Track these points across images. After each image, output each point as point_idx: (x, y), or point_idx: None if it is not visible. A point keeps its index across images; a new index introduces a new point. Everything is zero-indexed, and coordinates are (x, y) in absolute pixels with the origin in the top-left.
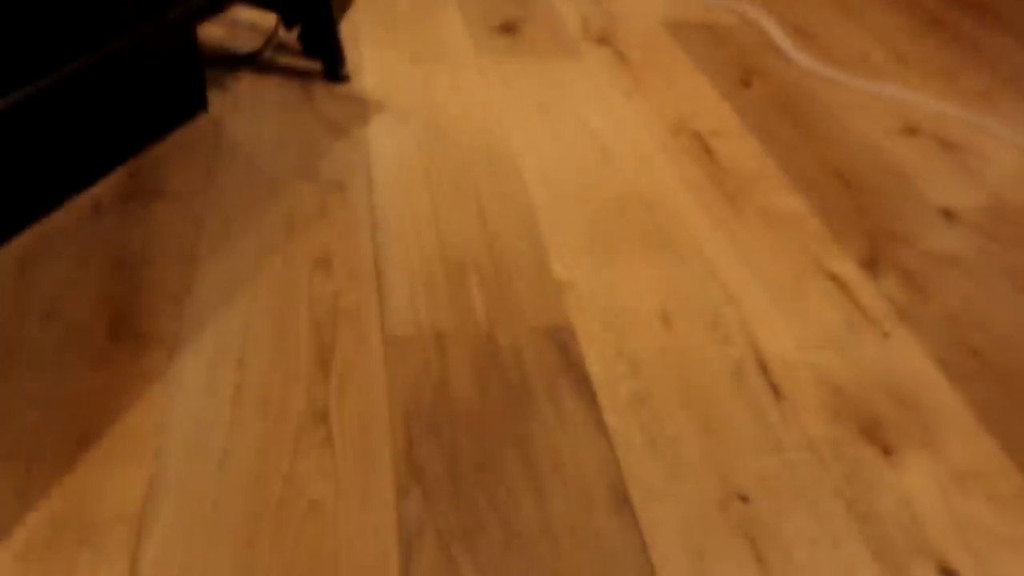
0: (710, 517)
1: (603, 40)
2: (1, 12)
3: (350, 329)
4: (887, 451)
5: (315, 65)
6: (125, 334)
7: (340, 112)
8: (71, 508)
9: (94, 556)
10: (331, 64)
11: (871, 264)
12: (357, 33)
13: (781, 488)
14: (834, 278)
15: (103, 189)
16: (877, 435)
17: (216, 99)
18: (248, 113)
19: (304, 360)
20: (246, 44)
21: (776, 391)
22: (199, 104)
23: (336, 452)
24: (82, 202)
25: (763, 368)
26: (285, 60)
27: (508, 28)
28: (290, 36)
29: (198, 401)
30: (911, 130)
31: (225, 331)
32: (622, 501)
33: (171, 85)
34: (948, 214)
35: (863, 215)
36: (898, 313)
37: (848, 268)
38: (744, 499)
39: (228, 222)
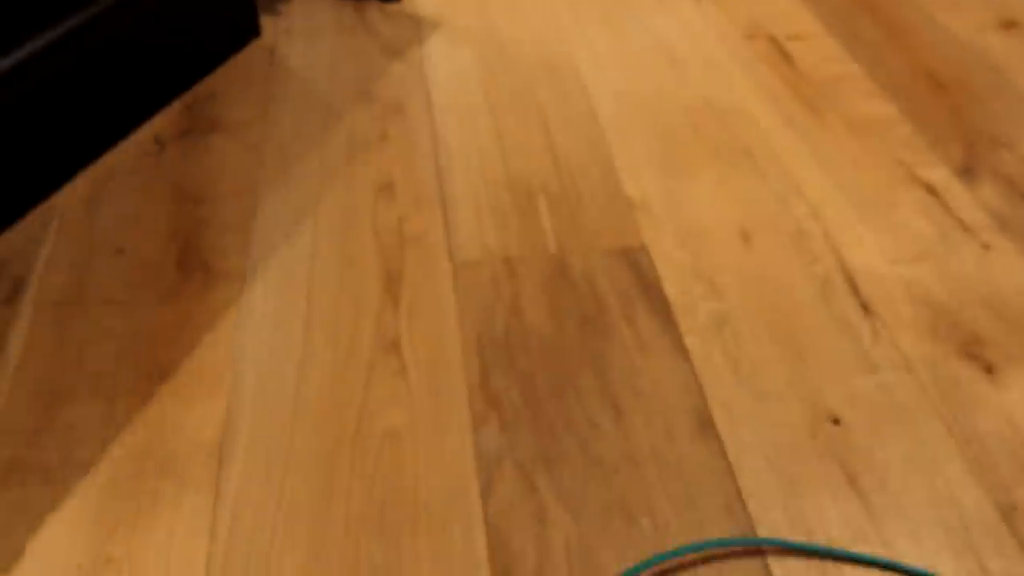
0: (800, 441)
1: None
2: None
3: (417, 255)
4: (989, 369)
5: None
6: (193, 268)
7: (395, 33)
8: (153, 440)
9: (178, 485)
10: None
11: (967, 171)
12: None
13: (875, 410)
14: (927, 187)
15: (161, 123)
16: (978, 353)
17: (269, 25)
18: (302, 38)
19: (372, 288)
20: None
21: (866, 308)
22: (252, 31)
23: (410, 381)
24: (141, 137)
25: (852, 285)
26: None
27: None
28: None
29: (269, 331)
30: (1008, 24)
31: (292, 261)
32: (706, 426)
33: (223, 13)
34: None
35: (958, 119)
36: (998, 223)
37: (942, 176)
38: (836, 422)
39: (287, 151)
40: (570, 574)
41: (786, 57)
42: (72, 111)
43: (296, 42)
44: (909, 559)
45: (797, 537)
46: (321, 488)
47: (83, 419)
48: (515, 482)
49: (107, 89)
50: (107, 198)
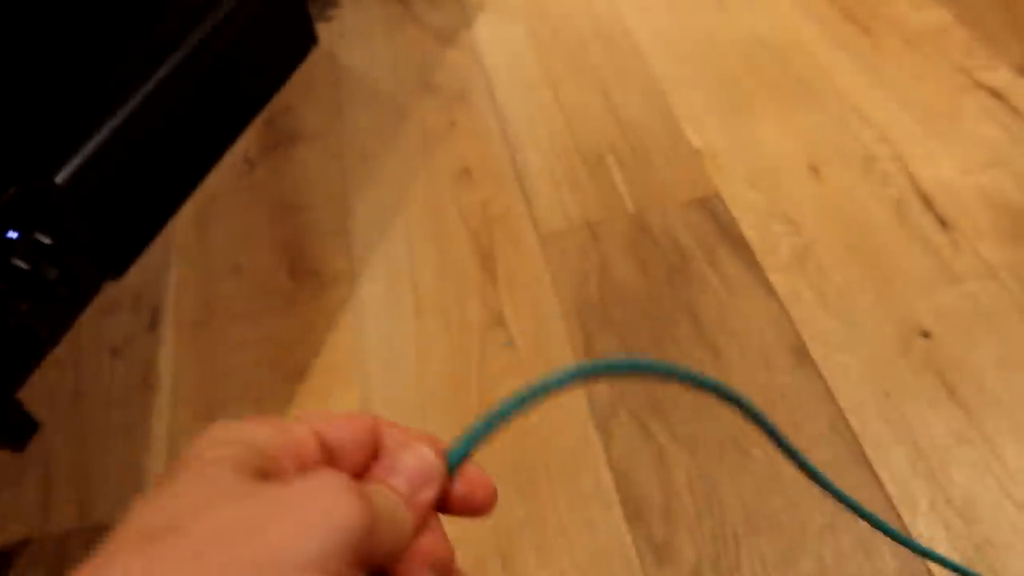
0: (893, 358)
1: None
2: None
3: (505, 233)
4: None
5: None
6: (305, 274)
7: (444, 20)
8: None
9: None
10: None
11: None
12: None
13: (963, 320)
14: (991, 91)
15: (247, 143)
16: None
17: (324, 31)
18: (357, 39)
19: (470, 269)
20: None
21: (943, 222)
22: (310, 40)
23: (520, 350)
24: (233, 159)
25: (927, 201)
26: None
27: None
28: None
29: (385, 323)
30: None
31: (392, 255)
32: (802, 355)
33: (282, 28)
34: None
35: (1014, 15)
36: None
37: (1005, 77)
38: (926, 335)
39: (366, 151)
40: (695, 506)
41: None
42: (174, 145)
43: (353, 44)
44: (1012, 460)
45: (900, 447)
46: None
47: None
48: (631, 428)
49: (199, 120)
50: (214, 220)
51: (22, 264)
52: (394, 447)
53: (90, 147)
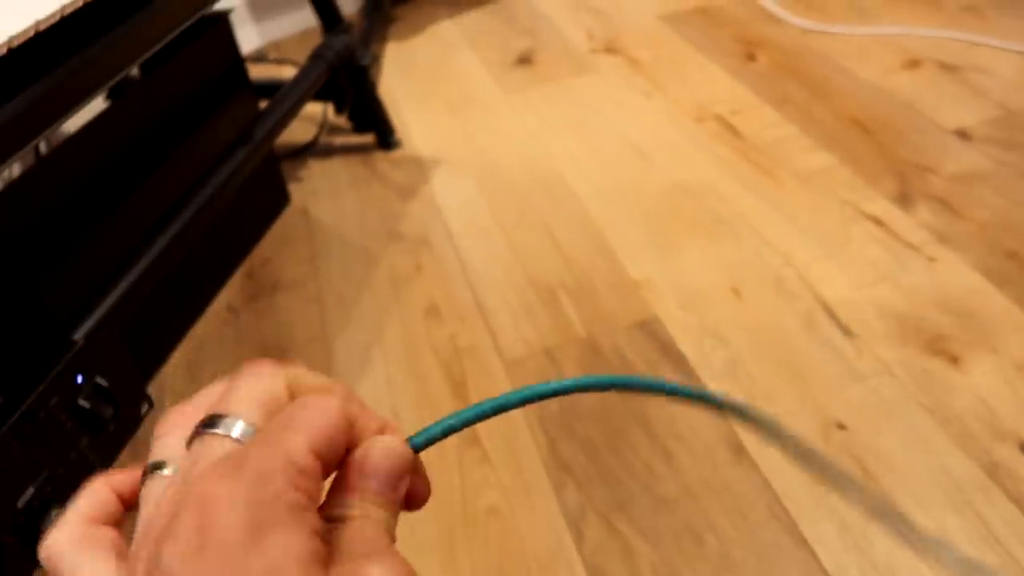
0: (817, 448)
1: (611, 49)
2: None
3: (473, 362)
4: (954, 360)
5: (368, 139)
6: None
7: (403, 176)
8: None
9: None
10: (383, 135)
11: (903, 198)
12: (394, 97)
13: (870, 411)
14: (873, 219)
15: (230, 293)
16: (942, 348)
17: (296, 190)
18: (325, 196)
19: (443, 396)
20: (302, 135)
21: (846, 330)
22: (283, 198)
23: (494, 464)
24: (217, 308)
25: (830, 314)
26: (341, 140)
27: (523, 60)
28: (339, 118)
29: None
30: (912, 63)
31: (372, 388)
32: (740, 452)
33: (260, 190)
34: (963, 134)
35: (886, 155)
36: (938, 237)
37: (884, 207)
38: (842, 427)
39: (342, 296)
40: None
41: (733, 131)
42: (170, 297)
43: (323, 201)
44: (921, 524)
45: (829, 523)
46: (447, 562)
47: None
48: (599, 527)
49: (188, 277)
50: (202, 365)
51: (85, 404)
52: (366, 441)
53: (110, 301)
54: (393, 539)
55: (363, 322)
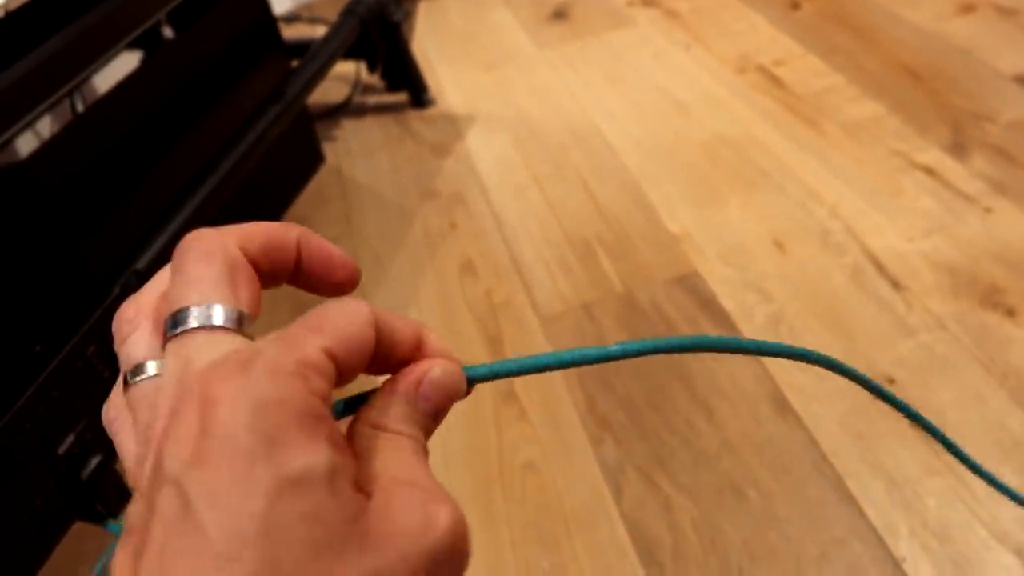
0: (864, 405)
1: (648, 2)
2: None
3: (509, 318)
4: (1010, 312)
5: (402, 97)
6: None
7: (437, 134)
8: None
9: None
10: (416, 93)
11: (958, 148)
12: (427, 56)
13: (922, 366)
14: (925, 169)
15: None
16: (998, 300)
17: (329, 150)
18: (360, 155)
19: (479, 352)
20: (336, 95)
21: (895, 284)
22: (318, 158)
23: (532, 420)
24: None
25: (879, 267)
26: (374, 100)
27: (559, 15)
28: (372, 77)
29: None
30: (967, 7)
31: None
32: (784, 407)
33: (296, 149)
34: (1022, 80)
35: (940, 103)
36: (994, 187)
37: (936, 157)
38: (891, 382)
39: (378, 254)
40: (701, 546)
41: (776, 81)
42: None
43: (357, 160)
44: (977, 484)
45: (878, 480)
46: (485, 519)
47: None
48: (638, 483)
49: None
50: None
51: None
52: (430, 359)
53: (147, 257)
54: None
55: (398, 280)
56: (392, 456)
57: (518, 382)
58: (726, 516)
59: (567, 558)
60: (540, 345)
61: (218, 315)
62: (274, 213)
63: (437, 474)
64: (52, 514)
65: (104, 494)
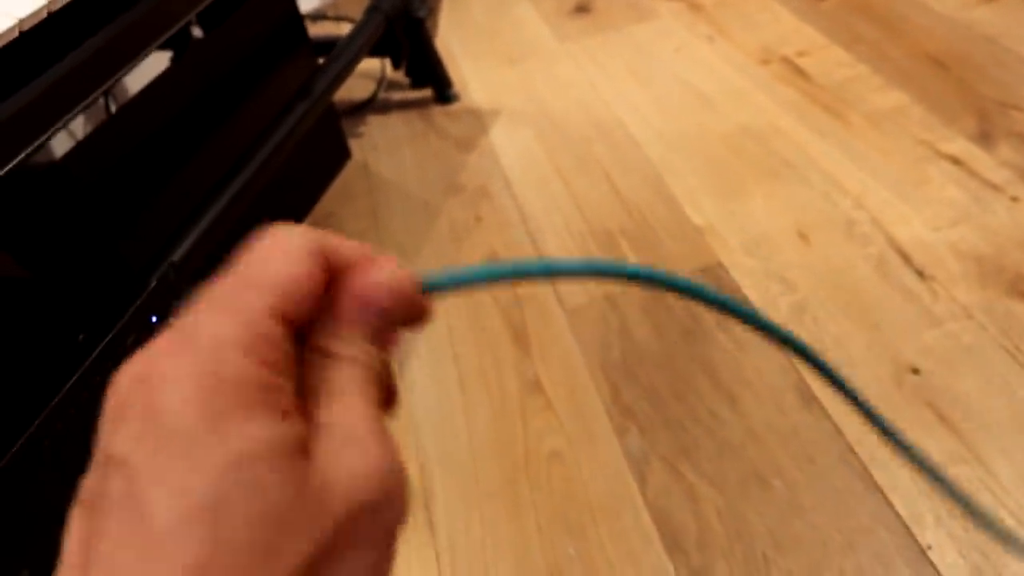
0: (889, 393)
1: None
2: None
3: (534, 310)
4: None
5: (426, 93)
6: None
7: (461, 129)
8: None
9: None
10: (440, 88)
11: (984, 137)
12: (451, 51)
13: (947, 355)
14: (951, 158)
15: None
16: None
17: (355, 146)
18: (385, 150)
19: (505, 343)
20: (361, 92)
21: (921, 274)
22: (344, 154)
23: (557, 411)
24: None
25: (904, 257)
26: (399, 96)
27: (581, 8)
28: (397, 74)
29: (433, 395)
30: None
31: (434, 336)
32: (809, 398)
33: (322, 146)
34: None
35: (966, 92)
36: (1021, 176)
37: (962, 146)
38: (916, 371)
39: (403, 247)
40: (726, 535)
41: (800, 73)
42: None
43: (382, 155)
44: (1003, 473)
45: (904, 469)
46: (511, 508)
47: None
48: (663, 472)
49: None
50: None
51: None
52: (371, 267)
53: (181, 250)
54: (387, 396)
55: (424, 271)
56: (337, 398)
57: (543, 372)
58: (751, 505)
59: (592, 545)
60: (564, 336)
61: None
62: (302, 209)
63: (464, 465)
64: None
65: None
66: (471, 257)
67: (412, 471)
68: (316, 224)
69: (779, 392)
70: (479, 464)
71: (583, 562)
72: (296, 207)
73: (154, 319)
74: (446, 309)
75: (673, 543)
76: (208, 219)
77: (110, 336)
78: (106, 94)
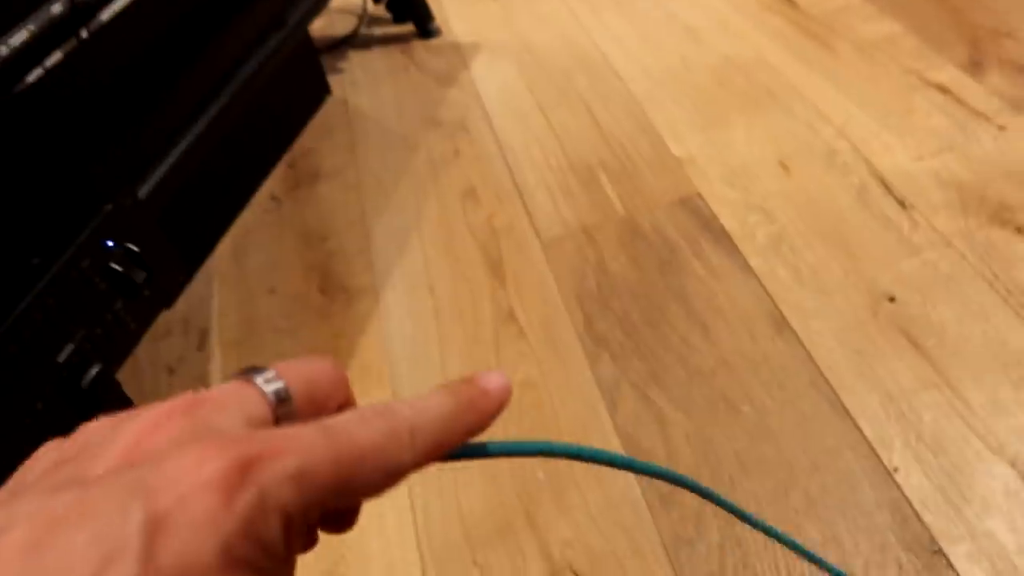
0: (864, 321)
1: None
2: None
3: (510, 242)
4: (1019, 230)
5: (407, 28)
6: (334, 290)
7: (442, 63)
8: None
9: None
10: (421, 23)
11: (975, 66)
12: None
13: (924, 284)
14: (939, 87)
15: (273, 183)
16: (1007, 218)
17: (335, 82)
18: (365, 86)
19: (480, 275)
20: (342, 27)
21: (902, 203)
22: (324, 90)
23: (530, 340)
24: (261, 198)
25: (885, 186)
26: (380, 32)
27: None
28: (378, 8)
29: (408, 326)
30: None
31: (410, 268)
32: (781, 325)
33: (302, 81)
34: None
35: (959, 21)
36: (1011, 104)
37: (952, 75)
38: (892, 299)
39: (381, 182)
40: (694, 458)
41: (788, 1)
42: (212, 189)
43: (362, 91)
44: (974, 398)
45: (873, 394)
46: (481, 436)
47: None
48: (633, 399)
49: (232, 166)
50: (249, 251)
51: (117, 268)
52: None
53: (159, 172)
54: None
55: (402, 207)
56: None
57: (517, 302)
58: (719, 430)
59: (562, 469)
60: (539, 268)
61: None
62: (281, 145)
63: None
64: (54, 418)
65: (104, 400)
66: (448, 191)
67: (385, 396)
68: (295, 160)
69: (751, 320)
70: None
71: (551, 484)
72: (275, 143)
73: (110, 244)
74: (423, 241)
75: None
76: (178, 151)
77: (63, 259)
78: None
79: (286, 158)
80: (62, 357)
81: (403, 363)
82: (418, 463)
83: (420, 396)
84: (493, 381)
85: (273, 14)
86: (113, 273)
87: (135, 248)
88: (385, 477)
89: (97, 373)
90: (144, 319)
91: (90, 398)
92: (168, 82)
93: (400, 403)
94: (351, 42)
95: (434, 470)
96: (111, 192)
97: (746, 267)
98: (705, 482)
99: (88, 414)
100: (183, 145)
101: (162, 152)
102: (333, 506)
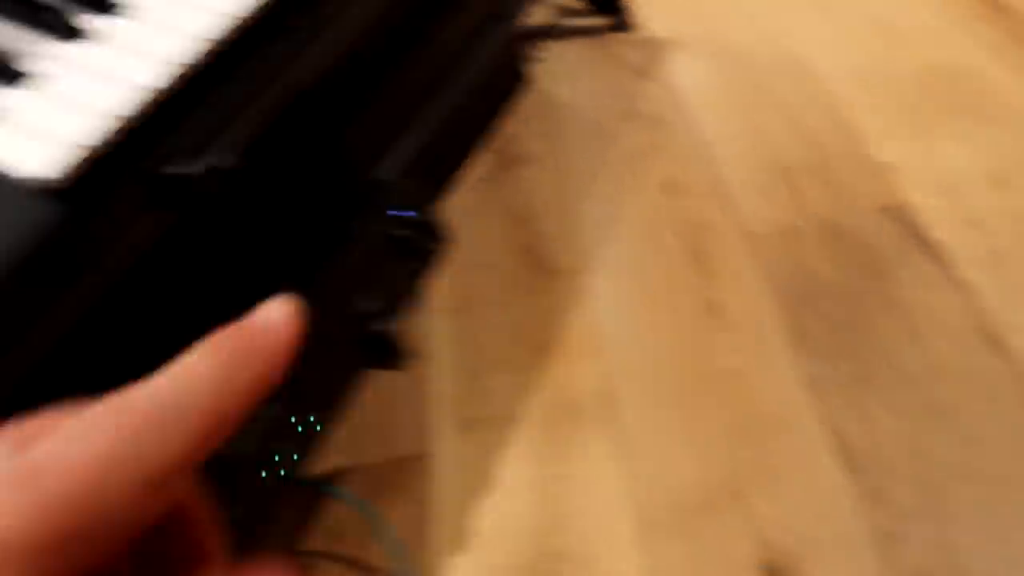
0: None
1: None
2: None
3: (713, 235)
4: None
5: (602, 21)
6: (544, 269)
7: (639, 57)
8: (558, 395)
9: (587, 421)
10: (619, 17)
11: None
12: None
13: None
14: None
15: (480, 168)
16: None
17: (535, 71)
18: (564, 76)
19: (683, 265)
20: (539, 19)
21: None
22: (525, 79)
23: (733, 332)
24: (472, 180)
25: None
26: (578, 23)
27: None
28: (575, 1)
29: (612, 309)
30: None
31: (615, 254)
32: (995, 342)
33: (505, 72)
34: None
35: None
36: None
37: None
38: None
39: (581, 170)
40: (903, 459)
41: (1000, 8)
42: (435, 166)
43: (560, 81)
44: None
45: None
46: (691, 417)
47: (502, 386)
48: (840, 396)
49: (445, 152)
50: (462, 229)
51: (402, 232)
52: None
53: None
54: None
55: (602, 194)
56: None
57: (720, 293)
58: (929, 435)
59: (772, 454)
60: (741, 263)
61: None
62: (481, 132)
63: (644, 377)
64: (351, 360)
65: (392, 346)
66: (649, 181)
67: (593, 374)
68: (499, 146)
69: (963, 332)
70: (660, 376)
71: (759, 467)
72: (483, 128)
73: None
74: (626, 232)
75: (847, 457)
76: (416, 134)
77: (353, 226)
78: None
79: (491, 145)
80: (360, 308)
81: (609, 342)
82: (193, 455)
83: (168, 367)
84: (272, 313)
85: (491, 8)
86: (407, 240)
87: (412, 215)
88: (144, 490)
89: (386, 324)
90: (425, 282)
91: (380, 342)
92: (391, 76)
93: (137, 389)
94: (548, 33)
95: (641, 437)
96: (379, 172)
97: (959, 280)
98: (914, 484)
99: (379, 356)
100: (418, 132)
101: (395, 137)
102: (101, 555)
